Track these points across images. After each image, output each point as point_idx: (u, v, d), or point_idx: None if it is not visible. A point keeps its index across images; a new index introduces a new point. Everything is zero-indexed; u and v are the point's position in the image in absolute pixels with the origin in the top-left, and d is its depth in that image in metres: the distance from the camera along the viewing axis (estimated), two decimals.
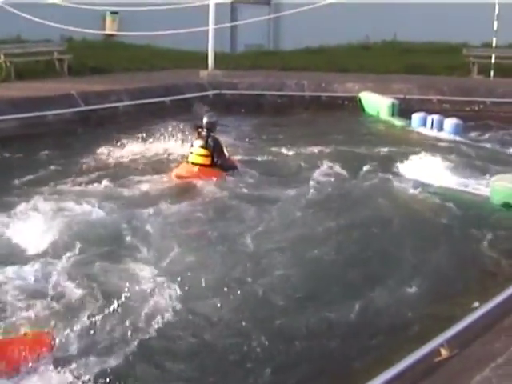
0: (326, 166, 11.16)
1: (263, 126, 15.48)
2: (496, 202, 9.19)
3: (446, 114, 16.33)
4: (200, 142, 9.93)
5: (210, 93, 17.87)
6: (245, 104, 17.85)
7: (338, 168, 11.11)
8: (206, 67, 19.14)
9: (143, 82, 17.41)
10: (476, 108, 17.89)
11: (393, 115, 16.32)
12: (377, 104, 17.00)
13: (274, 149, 12.57)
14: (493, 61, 20.03)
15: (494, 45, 20.45)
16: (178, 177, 9.89)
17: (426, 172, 10.64)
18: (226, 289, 6.15)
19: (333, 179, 10.52)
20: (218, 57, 19.40)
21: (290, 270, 6.74)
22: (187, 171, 9.91)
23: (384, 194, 9.78)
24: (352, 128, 15.35)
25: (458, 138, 14.15)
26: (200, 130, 9.99)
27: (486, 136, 15.03)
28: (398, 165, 11.29)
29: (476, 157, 12.35)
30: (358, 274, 6.71)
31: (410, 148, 12.77)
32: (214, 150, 9.89)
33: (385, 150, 12.81)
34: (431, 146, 13.32)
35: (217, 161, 9.92)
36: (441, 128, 15.12)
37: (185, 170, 9.96)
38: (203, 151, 9.92)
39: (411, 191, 10.11)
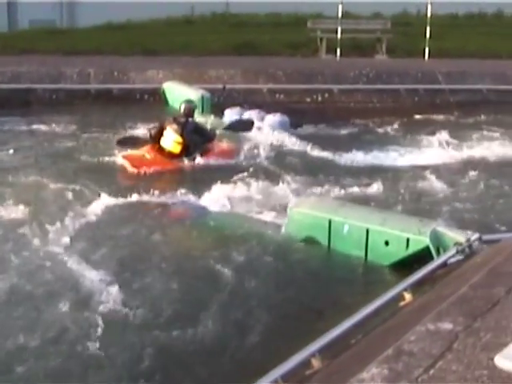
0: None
1: (19, 135, 13.67)
2: (295, 233, 8.01)
3: (277, 107, 15.31)
4: (175, 127, 11.18)
5: None
6: (7, 102, 16.00)
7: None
8: None
9: None
10: (319, 98, 16.99)
11: (203, 111, 15.08)
12: (183, 97, 15.62)
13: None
14: (339, 35, 19.27)
15: (339, 15, 19.69)
16: (125, 158, 11.17)
17: (214, 194, 9.43)
18: None
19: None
20: None
21: None
22: (136, 155, 11.17)
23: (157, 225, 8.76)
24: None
25: (279, 141, 13.04)
26: (176, 117, 11.36)
27: (323, 135, 14.09)
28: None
29: (294, 168, 11.29)
30: None
31: None
32: (191, 137, 11.21)
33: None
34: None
35: (194, 150, 11.25)
36: (264, 126, 14.05)
37: (136, 154, 11.21)
38: (177, 138, 11.14)
39: (189, 221, 9.16)
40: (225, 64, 18.01)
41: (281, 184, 10.15)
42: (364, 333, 5.43)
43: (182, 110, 11.55)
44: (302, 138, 13.38)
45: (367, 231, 7.36)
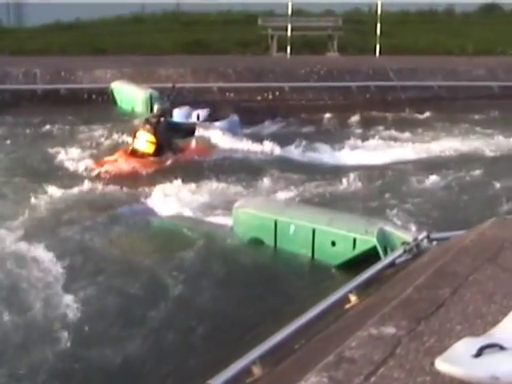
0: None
1: None
2: (242, 235, 7.81)
3: (227, 105, 15.10)
4: (147, 127, 11.16)
5: None
6: None
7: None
8: None
9: None
10: (270, 96, 16.80)
11: (151, 110, 14.79)
12: (131, 97, 15.43)
13: None
14: (289, 33, 19.10)
15: (289, 12, 19.52)
16: (98, 163, 11.04)
17: (164, 195, 9.22)
18: None
19: None
20: None
21: None
22: (109, 161, 11.10)
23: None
24: (89, 133, 13.61)
25: (226, 140, 12.84)
26: (148, 118, 11.40)
27: (273, 134, 13.92)
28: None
29: (243, 168, 11.10)
30: None
31: None
32: (165, 135, 11.25)
33: None
34: None
35: (168, 148, 11.33)
36: (213, 126, 13.80)
37: (109, 160, 11.15)
38: (149, 137, 11.09)
39: (135, 225, 8.79)
40: (175, 63, 17.75)
41: (230, 184, 9.94)
42: (307, 338, 5.26)
43: (155, 110, 11.66)
44: (252, 136, 13.19)
45: (313, 231, 7.19)
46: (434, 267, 5.48)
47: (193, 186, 10.11)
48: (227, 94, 16.81)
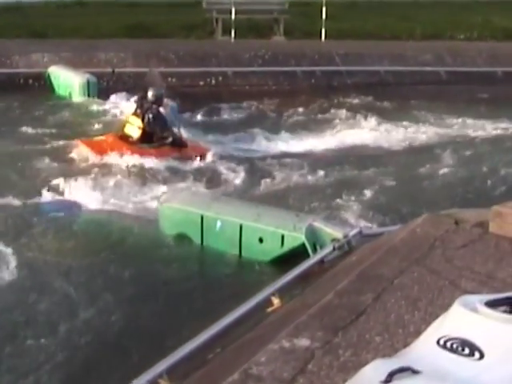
0: None
1: None
2: (167, 230, 7.40)
3: (171, 91, 14.62)
4: (138, 111, 10.98)
5: None
6: None
7: None
8: None
9: None
10: (213, 81, 16.37)
11: (89, 96, 14.36)
12: (68, 82, 14.90)
13: None
14: (233, 16, 18.65)
15: None
16: (84, 143, 10.98)
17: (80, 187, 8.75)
18: None
19: None
20: None
21: None
22: (96, 141, 11.00)
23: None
24: (24, 119, 13.09)
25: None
26: (143, 101, 11.01)
27: (214, 121, 13.51)
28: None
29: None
30: None
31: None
32: (151, 124, 10.86)
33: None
34: None
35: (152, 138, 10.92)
36: None
37: (96, 140, 11.06)
38: (137, 122, 10.87)
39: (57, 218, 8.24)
40: (115, 47, 17.22)
41: (160, 176, 9.54)
42: (223, 345, 4.89)
43: (150, 96, 11.11)
44: (192, 124, 12.78)
45: (241, 227, 6.82)
46: (359, 269, 5.14)
47: (126, 179, 9.68)
48: (169, 79, 16.27)
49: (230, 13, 18.51)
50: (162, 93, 11.41)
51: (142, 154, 10.60)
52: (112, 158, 10.53)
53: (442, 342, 2.81)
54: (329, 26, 19.15)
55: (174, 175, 9.75)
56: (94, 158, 10.61)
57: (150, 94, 11.12)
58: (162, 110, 11.24)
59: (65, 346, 5.63)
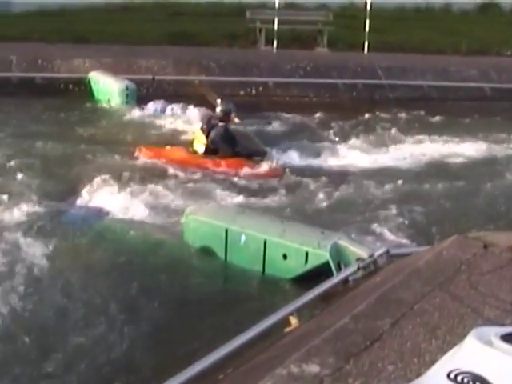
0: None
1: None
2: (192, 243, 7.30)
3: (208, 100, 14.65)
4: (204, 127, 10.87)
5: None
6: None
7: None
8: None
9: None
10: (253, 91, 16.28)
11: (127, 103, 14.41)
12: (108, 88, 14.96)
13: None
14: (276, 27, 18.56)
15: (276, 5, 18.97)
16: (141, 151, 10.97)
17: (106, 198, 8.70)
18: None
19: None
20: None
21: None
22: (157, 149, 10.98)
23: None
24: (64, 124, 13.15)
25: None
26: (211, 117, 11.02)
27: (253, 131, 13.35)
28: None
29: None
30: None
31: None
32: (215, 141, 10.70)
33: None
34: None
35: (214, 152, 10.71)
36: (188, 121, 13.40)
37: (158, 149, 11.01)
38: (202, 138, 10.78)
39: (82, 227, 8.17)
40: (157, 54, 17.24)
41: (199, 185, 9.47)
42: (235, 366, 4.76)
43: (218, 111, 11.04)
44: None
45: (265, 243, 6.67)
46: (380, 292, 4.97)
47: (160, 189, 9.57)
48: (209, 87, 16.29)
49: (273, 23, 18.38)
50: (230, 108, 11.12)
51: (202, 166, 10.59)
52: (170, 167, 10.53)
53: (452, 376, 2.68)
54: (373, 38, 18.98)
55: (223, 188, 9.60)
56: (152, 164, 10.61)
57: (218, 109, 11.03)
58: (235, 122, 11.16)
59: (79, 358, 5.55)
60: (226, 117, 10.88)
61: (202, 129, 10.92)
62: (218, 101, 11.39)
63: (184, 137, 12.40)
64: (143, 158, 10.88)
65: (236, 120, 11.35)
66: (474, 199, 10.01)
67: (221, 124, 10.78)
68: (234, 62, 17.03)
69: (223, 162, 10.59)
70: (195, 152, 10.86)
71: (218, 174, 10.45)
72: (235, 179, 10.25)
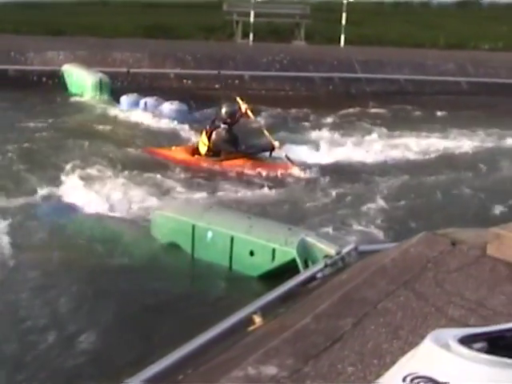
0: None
1: None
2: (159, 239, 7.19)
3: (184, 93, 14.52)
4: (207, 128, 10.83)
5: None
6: None
7: None
8: None
9: None
10: (229, 84, 16.14)
11: (101, 96, 14.25)
12: (81, 81, 14.78)
13: None
14: (252, 19, 18.43)
15: None
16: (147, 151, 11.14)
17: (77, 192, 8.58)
18: None
19: None
20: None
21: None
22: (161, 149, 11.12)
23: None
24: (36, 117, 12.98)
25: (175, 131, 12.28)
26: (215, 118, 10.98)
27: None
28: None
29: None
30: None
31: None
32: (216, 143, 10.73)
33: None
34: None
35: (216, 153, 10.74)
36: (161, 115, 13.28)
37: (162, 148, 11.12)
38: (204, 138, 10.79)
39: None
40: (132, 47, 17.07)
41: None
42: (194, 367, 4.64)
43: (223, 112, 10.89)
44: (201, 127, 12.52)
45: (232, 239, 6.56)
46: (343, 290, 4.87)
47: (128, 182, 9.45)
48: (184, 81, 16.15)
49: (250, 16, 18.27)
50: (235, 110, 11.05)
51: (202, 167, 10.62)
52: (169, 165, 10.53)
53: (408, 380, 2.57)
54: (351, 32, 18.90)
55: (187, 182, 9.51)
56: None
57: (223, 110, 10.90)
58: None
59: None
60: (230, 118, 10.83)
61: (205, 130, 10.91)
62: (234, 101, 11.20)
63: (156, 131, 12.26)
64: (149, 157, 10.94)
65: (250, 115, 11.34)
66: (447, 194, 9.96)
67: (223, 126, 10.77)
68: (210, 54, 16.91)
69: (224, 162, 10.61)
70: (199, 153, 10.87)
71: (217, 174, 10.47)
72: (234, 179, 10.21)
